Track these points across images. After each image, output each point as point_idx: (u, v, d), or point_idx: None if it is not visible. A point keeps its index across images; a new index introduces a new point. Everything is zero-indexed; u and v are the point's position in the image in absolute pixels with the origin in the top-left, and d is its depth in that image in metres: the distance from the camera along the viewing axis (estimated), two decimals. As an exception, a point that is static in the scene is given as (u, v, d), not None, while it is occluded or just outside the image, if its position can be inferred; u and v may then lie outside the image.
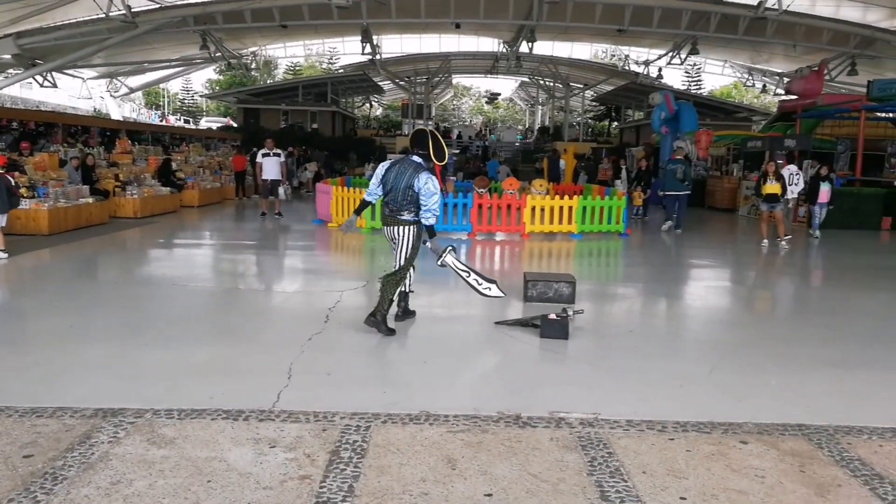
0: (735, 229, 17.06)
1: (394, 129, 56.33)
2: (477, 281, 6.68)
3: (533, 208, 13.58)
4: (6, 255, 9.36)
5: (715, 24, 27.30)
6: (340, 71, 51.74)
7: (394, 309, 6.33)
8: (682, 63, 36.25)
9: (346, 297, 7.55)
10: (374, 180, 6.27)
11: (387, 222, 6.23)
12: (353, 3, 25.40)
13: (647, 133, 35.82)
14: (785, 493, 3.38)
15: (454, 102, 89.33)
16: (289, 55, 52.58)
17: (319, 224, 14.66)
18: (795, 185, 14.29)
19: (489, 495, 3.26)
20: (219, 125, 49.92)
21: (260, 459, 3.56)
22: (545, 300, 7.36)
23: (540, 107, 71.08)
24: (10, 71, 30.79)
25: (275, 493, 3.22)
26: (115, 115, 44.92)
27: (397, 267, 6.24)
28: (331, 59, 58.18)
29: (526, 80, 58.37)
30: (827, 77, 29.14)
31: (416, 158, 6.09)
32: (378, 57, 37.75)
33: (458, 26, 30.62)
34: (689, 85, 59.57)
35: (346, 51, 46.48)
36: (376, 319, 6.04)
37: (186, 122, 59.81)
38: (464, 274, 6.68)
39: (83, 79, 43.23)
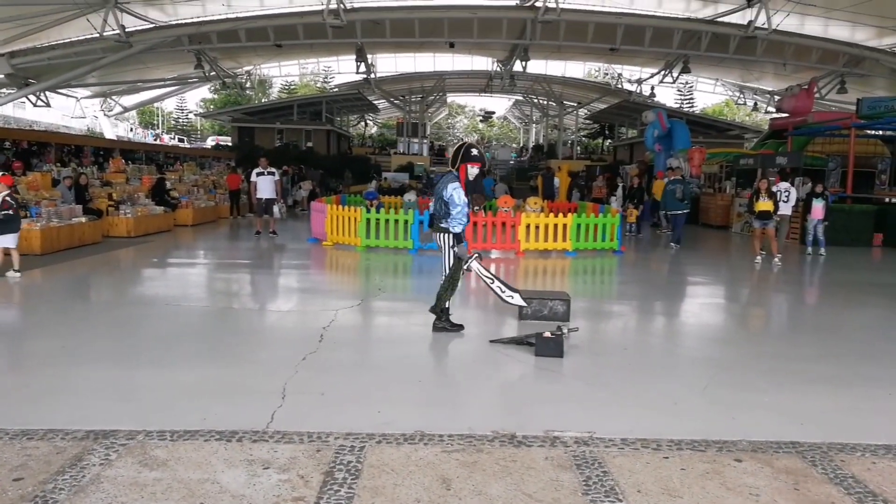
0: (728, 246, 17.11)
1: (389, 148, 56.50)
2: (500, 288, 7.15)
3: (528, 226, 13.61)
4: (19, 275, 9.37)
5: (706, 43, 27.54)
6: (335, 90, 51.97)
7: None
8: (674, 81, 36.52)
9: (340, 317, 7.53)
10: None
11: (431, 229, 7.02)
12: (347, 23, 25.54)
13: (640, 151, 36.03)
14: (780, 512, 3.38)
15: (449, 121, 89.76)
16: (284, 74, 52.85)
17: (314, 243, 14.66)
18: (785, 201, 14.35)
19: (484, 516, 3.25)
20: (225, 144, 50.14)
21: (253, 481, 3.54)
22: (540, 318, 7.36)
23: (534, 125, 71.45)
24: (3, 90, 30.83)
25: (268, 514, 3.20)
26: (109, 134, 45.00)
27: (444, 273, 6.91)
28: (326, 77, 58.49)
29: (520, 98, 58.77)
30: (817, 95, 29.36)
31: (452, 171, 6.81)
32: (373, 76, 37.94)
33: (452, 46, 30.79)
34: (682, 103, 60.10)
35: (341, 69, 46.73)
36: (440, 325, 6.82)
37: (181, 140, 59.93)
38: (488, 280, 7.13)
39: (77, 98, 43.33)
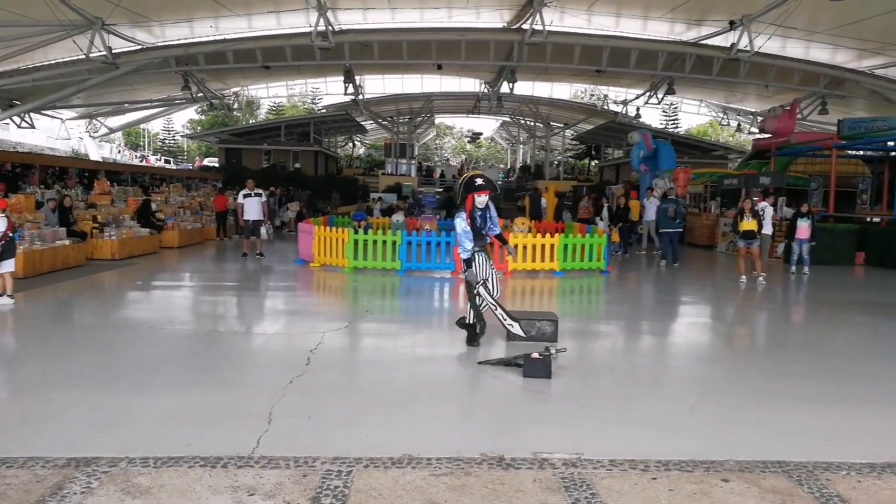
0: (714, 265, 17.22)
1: (377, 169, 56.59)
2: (502, 316, 7.26)
3: (515, 246, 13.63)
4: (12, 301, 9.23)
5: (690, 65, 27.90)
6: (323, 111, 52.09)
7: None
8: (659, 102, 36.90)
9: (327, 339, 7.50)
10: None
11: None
12: (335, 45, 25.67)
13: (626, 171, 36.28)
14: (767, 533, 3.37)
15: (437, 142, 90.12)
16: (271, 95, 52.94)
17: (301, 264, 14.63)
18: (761, 217, 14.46)
19: (471, 540, 3.23)
20: (212, 165, 50.06)
21: (238, 507, 3.51)
22: (528, 339, 7.36)
23: (521, 146, 71.78)
24: (-12, 112, 30.71)
25: (253, 541, 3.16)
26: (94, 155, 44.83)
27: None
28: (313, 98, 58.70)
29: (507, 119, 59.11)
30: (799, 116, 29.77)
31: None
32: (361, 97, 38.08)
33: (440, 67, 30.97)
34: (667, 124, 60.71)
35: (329, 91, 46.88)
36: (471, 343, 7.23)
37: (167, 162, 59.80)
38: (492, 306, 7.25)
39: (62, 119, 43.21)
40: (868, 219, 19.43)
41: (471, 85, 42.52)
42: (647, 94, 35.08)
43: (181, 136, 70.17)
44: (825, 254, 16.36)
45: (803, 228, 14.67)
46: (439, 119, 67.93)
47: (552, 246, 13.75)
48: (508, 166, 73.92)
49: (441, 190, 42.61)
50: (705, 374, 6.65)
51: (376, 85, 44.02)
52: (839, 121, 25.43)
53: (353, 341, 7.87)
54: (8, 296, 9.23)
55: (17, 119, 31.58)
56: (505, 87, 33.55)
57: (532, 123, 54.03)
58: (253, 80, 39.31)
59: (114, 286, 12.02)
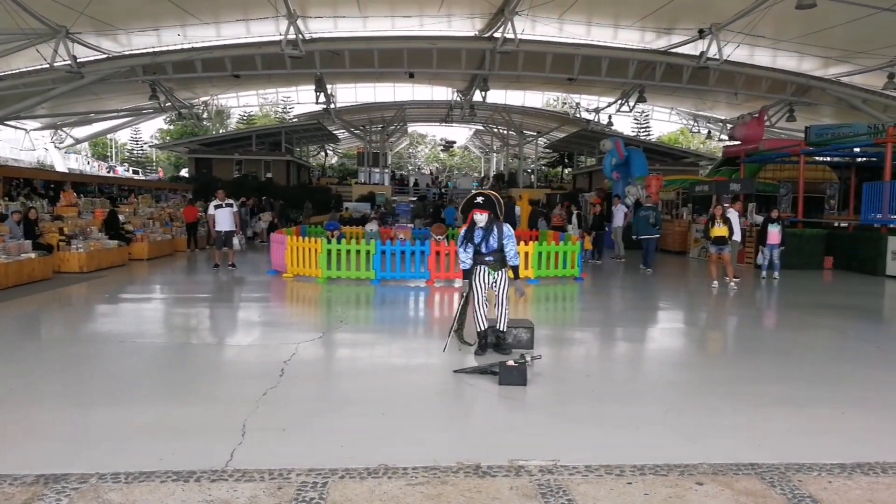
0: (686, 271, 17.40)
1: (350, 178, 56.43)
2: (458, 322, 7.44)
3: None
4: None
5: (660, 73, 28.27)
6: (294, 120, 51.92)
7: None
8: (630, 110, 37.29)
9: (301, 350, 7.44)
10: None
11: None
12: (306, 53, 25.61)
13: (599, 179, 36.59)
14: (742, 536, 3.40)
15: (410, 150, 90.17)
16: (242, 104, 52.63)
17: (274, 275, 14.52)
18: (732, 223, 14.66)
19: (448, 550, 3.21)
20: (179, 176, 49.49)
21: (212, 521, 3.45)
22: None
23: (495, 154, 72.14)
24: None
25: (227, 556, 3.11)
26: (60, 166, 44.19)
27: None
28: (285, 108, 58.42)
29: (480, 127, 59.33)
30: (767, 123, 30.30)
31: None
32: (332, 106, 38.02)
33: (411, 76, 31.04)
34: (639, 131, 61.39)
35: (301, 100, 46.75)
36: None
37: (135, 172, 59.11)
38: (473, 310, 7.36)
39: (26, 130, 42.55)
40: (836, 224, 19.78)
41: (443, 93, 42.64)
42: (619, 102, 35.48)
43: (149, 146, 69.38)
44: (795, 258, 16.63)
45: (774, 234, 14.88)
46: (412, 128, 68.04)
47: (526, 254, 13.79)
48: (482, 175, 74.17)
49: (416, 199, 42.61)
50: (679, 379, 6.70)
51: (348, 94, 43.97)
52: (806, 128, 25.90)
53: (328, 352, 7.82)
54: None
55: (-20, 130, 31.01)
56: (477, 96, 33.77)
57: (505, 132, 54.29)
58: (222, 89, 39.04)
59: (82, 299, 11.83)
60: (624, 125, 55.27)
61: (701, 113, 43.14)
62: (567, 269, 14.19)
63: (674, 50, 27.20)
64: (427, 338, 8.86)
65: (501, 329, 7.25)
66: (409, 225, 24.86)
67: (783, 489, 3.94)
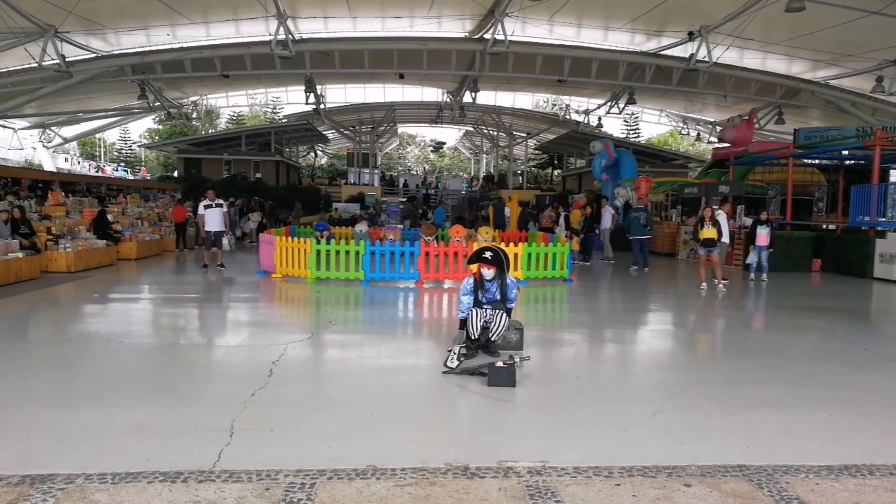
0: (675, 273, 17.46)
1: (339, 178, 56.32)
2: (456, 352, 6.85)
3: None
4: None
5: (650, 75, 28.40)
6: (284, 120, 51.79)
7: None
8: (620, 112, 37.46)
9: (290, 351, 7.42)
10: None
11: None
12: (296, 54, 25.58)
13: (589, 180, 36.69)
14: (730, 537, 3.40)
15: (400, 151, 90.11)
16: (231, 104, 52.51)
17: (263, 275, 14.47)
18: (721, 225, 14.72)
19: (437, 551, 3.20)
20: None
21: (199, 523, 3.43)
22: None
23: (484, 155, 72.26)
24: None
25: (214, 557, 3.10)
26: (49, 166, 43.91)
27: None
28: (274, 108, 58.27)
29: (470, 129, 59.41)
30: (756, 126, 30.45)
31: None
32: (322, 106, 37.95)
33: (401, 77, 31.06)
34: (628, 133, 61.54)
35: (290, 100, 46.70)
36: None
37: (125, 171, 58.77)
38: (467, 333, 7.24)
39: (14, 129, 42.29)
40: (824, 226, 19.90)
41: (433, 94, 42.69)
42: (609, 103, 35.60)
43: (138, 145, 69.02)
44: (783, 260, 16.72)
45: (762, 236, 14.94)
46: (402, 128, 68.06)
47: (516, 255, 13.80)
48: (472, 175, 74.25)
49: (405, 199, 42.61)
50: (667, 380, 6.71)
51: (338, 94, 43.93)
52: (795, 130, 26.08)
53: (317, 352, 7.80)
54: None
55: (-33, 129, 30.81)
56: (467, 97, 33.80)
57: (495, 133, 54.39)
58: (212, 88, 38.94)
59: (70, 299, 11.75)
60: (614, 127, 55.48)
61: (690, 115, 43.36)
62: (556, 271, 14.21)
63: (664, 52, 27.33)
64: (416, 339, 8.85)
65: (494, 339, 7.23)
66: (399, 226, 24.85)
67: (771, 491, 3.95)
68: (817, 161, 23.33)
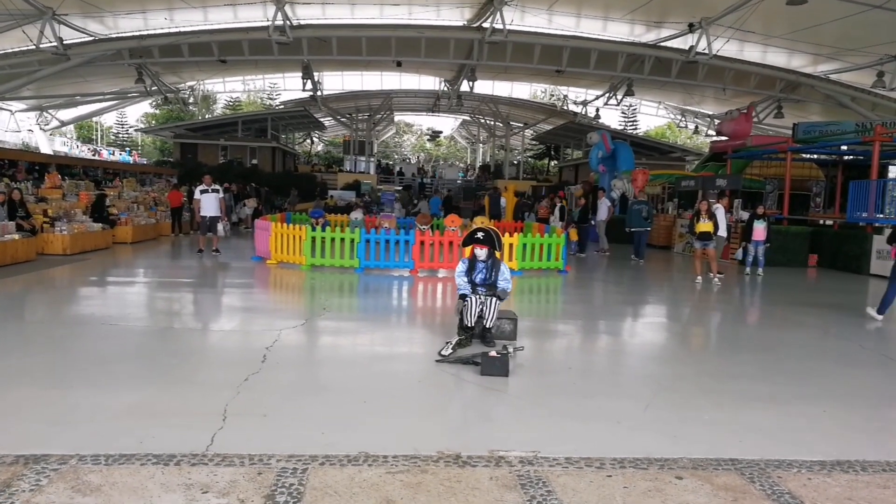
0: (670, 266, 17.48)
1: (335, 166, 56.16)
2: (454, 342, 6.96)
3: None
4: None
5: (649, 66, 28.31)
6: (281, 107, 51.55)
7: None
8: (618, 104, 37.37)
9: (284, 336, 7.42)
10: None
11: None
12: (294, 40, 25.46)
13: (585, 172, 36.65)
14: (720, 529, 3.42)
15: (396, 139, 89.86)
16: (228, 90, 52.23)
17: (258, 261, 14.45)
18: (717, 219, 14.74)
19: (428, 538, 3.21)
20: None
21: (191, 507, 3.44)
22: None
23: (481, 145, 72.10)
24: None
25: (206, 542, 3.10)
26: (45, 148, 43.72)
27: None
28: (271, 94, 58.00)
29: (467, 118, 59.24)
30: (755, 119, 30.41)
31: None
32: (319, 93, 37.80)
33: (399, 64, 30.94)
34: (626, 125, 61.47)
35: (287, 86, 46.42)
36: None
37: (128, 152, 58.57)
38: (463, 323, 7.29)
39: (11, 111, 42.10)
40: (821, 221, 19.92)
41: (431, 83, 42.53)
42: (607, 95, 35.51)
43: (135, 130, 68.69)
44: (779, 255, 16.73)
45: (759, 230, 14.95)
46: (399, 117, 67.79)
47: (511, 245, 13.80)
48: (468, 165, 74.14)
49: (401, 188, 42.53)
50: (660, 373, 6.73)
51: (335, 81, 43.70)
52: (794, 125, 26.05)
53: (310, 339, 7.79)
54: None
55: (-37, 110, 30.68)
56: (465, 86, 33.66)
57: (492, 122, 54.28)
58: (209, 74, 38.71)
59: (65, 281, 11.71)
60: (611, 118, 55.45)
61: (689, 108, 43.30)
62: (551, 262, 14.21)
63: (663, 44, 27.24)
64: (410, 327, 8.85)
65: (488, 326, 7.25)
66: (394, 214, 24.81)
67: (763, 485, 3.97)
68: (816, 156, 23.33)
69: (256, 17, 25.64)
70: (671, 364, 7.18)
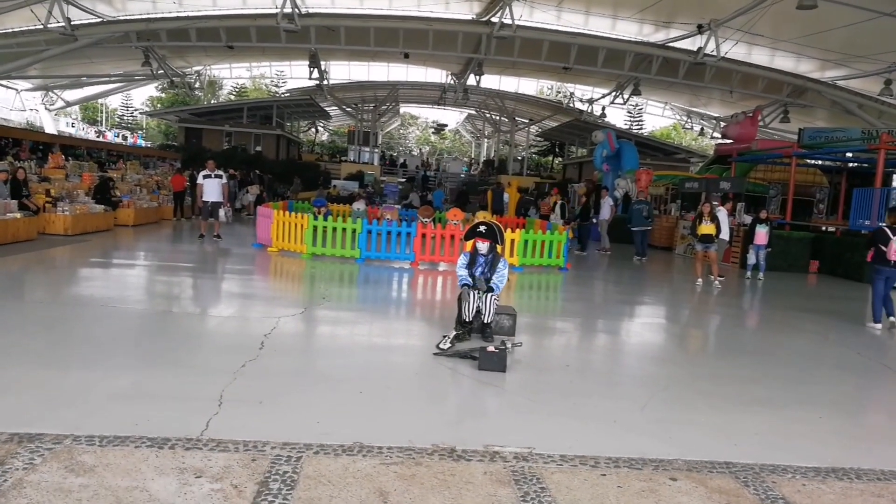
0: (671, 267, 17.45)
1: (339, 155, 56.08)
2: (452, 335, 6.93)
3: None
4: None
5: (657, 67, 28.23)
6: (287, 94, 51.47)
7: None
8: (624, 103, 37.29)
9: (282, 324, 7.41)
10: None
11: None
12: (302, 28, 25.37)
13: (589, 170, 36.60)
14: (712, 531, 3.41)
15: (401, 131, 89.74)
16: (234, 76, 52.19)
17: (259, 248, 14.44)
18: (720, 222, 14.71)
19: (420, 531, 3.21)
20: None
21: (184, 490, 3.44)
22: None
23: (486, 139, 71.95)
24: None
25: (198, 526, 3.10)
26: (50, 128, 43.71)
27: None
28: (277, 82, 57.89)
29: (472, 112, 59.12)
30: (761, 123, 30.35)
31: None
32: (326, 82, 37.71)
33: (406, 56, 30.84)
34: (631, 124, 61.29)
35: (294, 74, 46.36)
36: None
37: (125, 139, 58.52)
38: (463, 315, 7.22)
39: (17, 90, 42.05)
40: (824, 228, 19.88)
41: (437, 76, 42.46)
42: (613, 93, 35.42)
43: (140, 112, 68.61)
44: (780, 260, 16.68)
45: (761, 234, 14.92)
46: (404, 108, 67.74)
47: (512, 241, 13.78)
48: (472, 159, 74.02)
49: (405, 180, 42.51)
50: (657, 374, 6.72)
51: (342, 71, 43.64)
52: (800, 130, 26.01)
53: (308, 327, 7.79)
54: None
55: (-31, 88, 30.67)
56: (472, 80, 33.59)
57: (497, 118, 54.15)
58: (216, 59, 38.65)
59: (66, 262, 11.71)
60: (617, 117, 55.28)
61: (695, 109, 43.19)
62: (552, 259, 14.19)
63: (671, 44, 27.15)
64: (408, 319, 8.85)
65: (487, 322, 7.24)
66: (397, 206, 24.79)
67: (756, 489, 3.96)
68: (820, 162, 23.28)
69: (265, 3, 25.58)
70: (668, 365, 7.17)
